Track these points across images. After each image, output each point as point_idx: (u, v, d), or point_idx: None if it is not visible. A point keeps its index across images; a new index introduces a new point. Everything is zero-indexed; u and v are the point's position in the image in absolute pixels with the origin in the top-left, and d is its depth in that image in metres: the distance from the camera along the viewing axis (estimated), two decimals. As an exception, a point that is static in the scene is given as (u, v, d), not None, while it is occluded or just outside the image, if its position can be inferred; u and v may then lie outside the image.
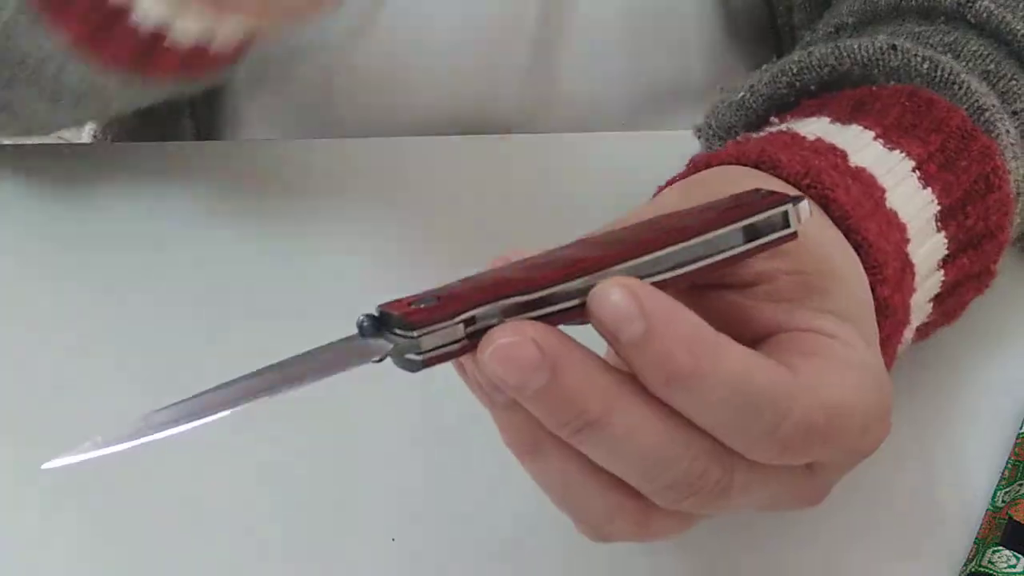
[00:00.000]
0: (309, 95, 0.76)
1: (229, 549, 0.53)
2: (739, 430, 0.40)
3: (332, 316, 0.42)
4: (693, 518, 0.43)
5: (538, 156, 0.71)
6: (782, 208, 0.42)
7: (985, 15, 0.58)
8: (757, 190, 0.43)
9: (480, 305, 0.39)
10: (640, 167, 0.58)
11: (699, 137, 0.60)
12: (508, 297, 0.39)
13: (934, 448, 0.56)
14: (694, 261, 0.41)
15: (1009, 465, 0.55)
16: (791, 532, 0.52)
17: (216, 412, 0.39)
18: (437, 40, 0.72)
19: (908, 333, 0.51)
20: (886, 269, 0.48)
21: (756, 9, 0.72)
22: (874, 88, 0.55)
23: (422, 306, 0.39)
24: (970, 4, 0.58)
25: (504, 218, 0.61)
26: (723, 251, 0.42)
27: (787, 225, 0.43)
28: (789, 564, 0.52)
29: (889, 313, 0.48)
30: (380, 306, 0.40)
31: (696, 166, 0.51)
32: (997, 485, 0.54)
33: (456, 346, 0.39)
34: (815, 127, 0.53)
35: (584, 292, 0.39)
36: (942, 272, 0.53)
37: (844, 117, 0.53)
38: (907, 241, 0.50)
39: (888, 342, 0.49)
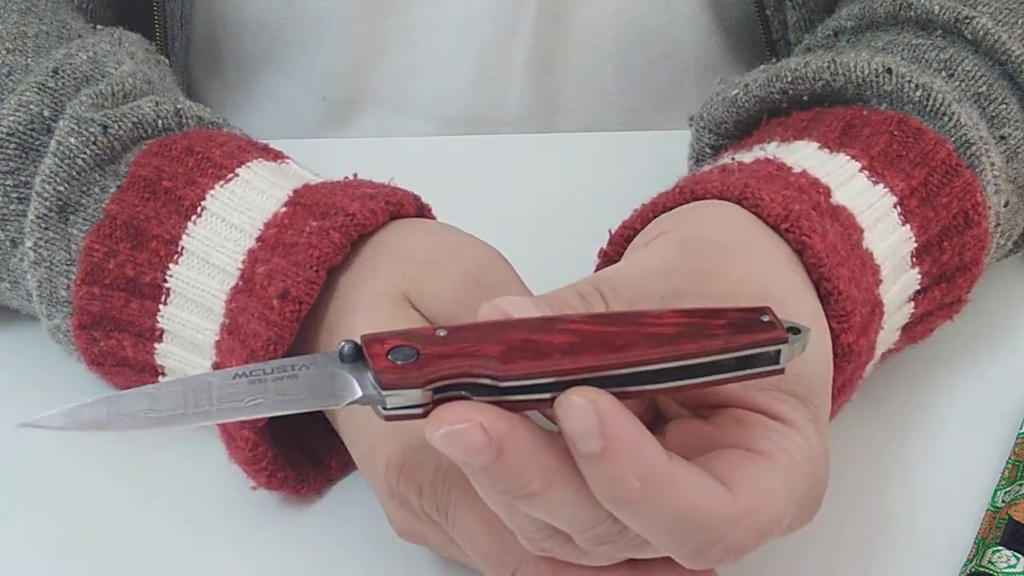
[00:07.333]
0: (309, 93, 0.76)
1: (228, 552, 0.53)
2: (669, 546, 0.42)
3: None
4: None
5: (538, 156, 0.71)
6: (777, 347, 0.43)
7: (982, 33, 0.58)
8: (761, 312, 0.43)
9: (453, 378, 0.40)
10: (640, 167, 0.58)
11: (691, 126, 0.61)
12: (480, 377, 0.40)
13: (934, 447, 0.56)
14: (679, 378, 0.42)
15: (1009, 465, 0.55)
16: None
17: (175, 423, 0.41)
18: (436, 39, 0.72)
19: (871, 366, 0.53)
20: (853, 317, 0.49)
21: (751, 23, 0.73)
22: (865, 112, 0.56)
23: (399, 362, 0.40)
24: (968, 20, 0.58)
25: (504, 218, 0.61)
26: (709, 374, 0.42)
27: (777, 361, 0.43)
28: (788, 564, 0.52)
29: (852, 358, 0.49)
30: (363, 337, 0.41)
31: (682, 193, 0.51)
32: (997, 485, 0.54)
33: (419, 410, 0.41)
34: (802, 155, 0.53)
35: (557, 389, 0.40)
36: (912, 304, 0.54)
37: (832, 143, 0.54)
38: (879, 282, 0.51)
39: (849, 383, 0.50)
